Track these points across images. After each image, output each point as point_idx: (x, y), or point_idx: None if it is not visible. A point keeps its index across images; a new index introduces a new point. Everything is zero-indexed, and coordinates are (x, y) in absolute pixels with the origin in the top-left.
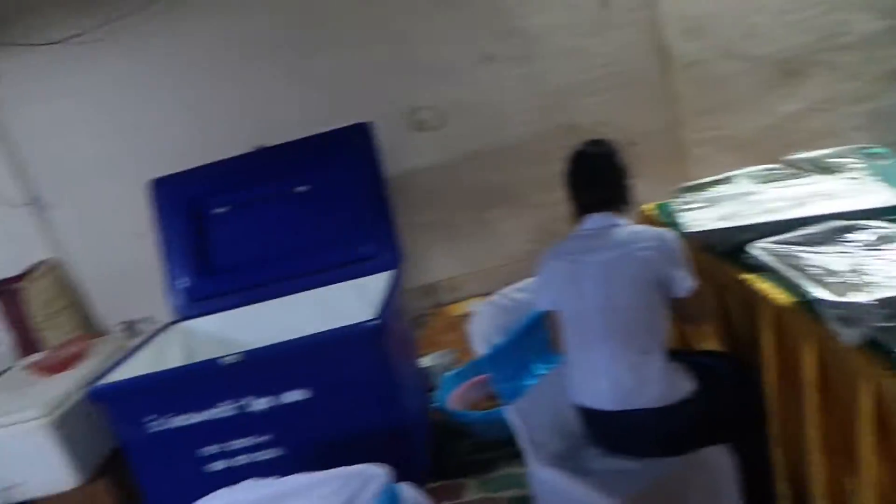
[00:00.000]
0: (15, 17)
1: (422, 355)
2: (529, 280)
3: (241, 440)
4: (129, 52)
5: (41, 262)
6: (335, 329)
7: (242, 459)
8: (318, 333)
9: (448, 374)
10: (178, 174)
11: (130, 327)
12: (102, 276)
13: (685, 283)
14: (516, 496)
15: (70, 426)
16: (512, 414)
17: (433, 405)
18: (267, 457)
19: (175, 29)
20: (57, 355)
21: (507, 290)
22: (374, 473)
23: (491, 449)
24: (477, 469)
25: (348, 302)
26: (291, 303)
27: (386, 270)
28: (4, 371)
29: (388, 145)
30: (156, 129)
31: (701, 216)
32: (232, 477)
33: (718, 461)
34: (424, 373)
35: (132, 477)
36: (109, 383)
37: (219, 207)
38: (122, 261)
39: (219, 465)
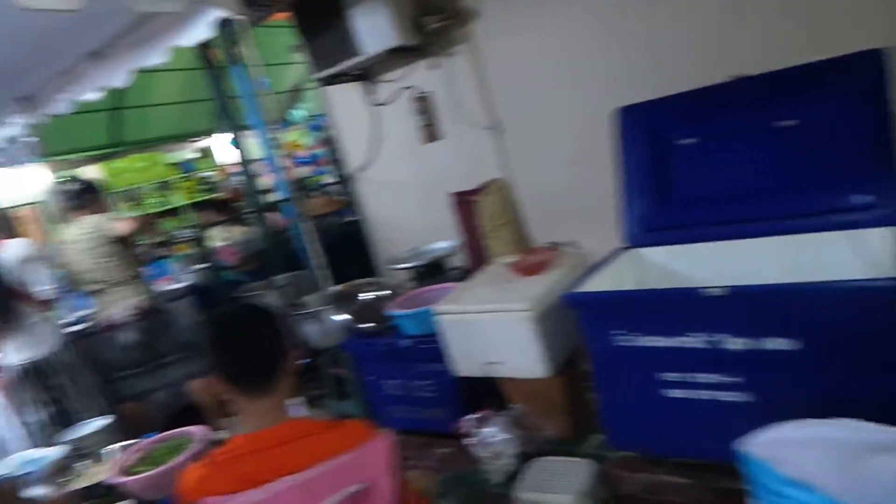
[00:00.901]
0: None
1: None
2: None
3: (706, 375)
4: None
5: (493, 181)
6: (850, 281)
7: (703, 394)
8: (825, 282)
9: None
10: (644, 103)
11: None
12: (538, 198)
13: None
14: None
15: (546, 323)
16: None
17: None
18: (731, 399)
19: None
20: (529, 260)
21: None
22: None
23: None
24: None
25: (832, 254)
26: (756, 245)
27: (884, 225)
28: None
29: None
30: (611, 61)
31: None
32: (688, 408)
33: None
34: None
35: (586, 379)
36: (587, 292)
37: (685, 138)
38: (556, 186)
39: (676, 393)
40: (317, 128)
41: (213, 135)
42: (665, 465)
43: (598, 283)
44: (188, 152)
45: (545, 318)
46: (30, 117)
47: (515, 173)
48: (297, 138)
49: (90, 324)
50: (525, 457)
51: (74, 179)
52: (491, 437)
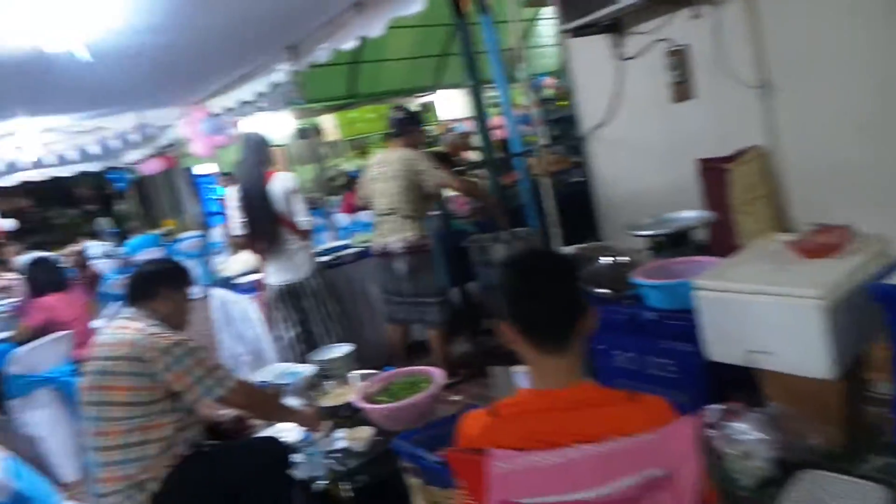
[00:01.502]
0: None
1: None
2: None
3: None
4: None
5: (751, 148)
6: None
7: None
8: None
9: None
10: None
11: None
12: (806, 170)
13: None
14: None
15: (838, 316)
16: None
17: None
18: None
19: None
20: (816, 240)
21: None
22: None
23: None
24: None
25: None
26: None
27: None
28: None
29: None
30: None
31: None
32: None
33: None
34: None
35: (867, 387)
36: None
37: None
38: (833, 157)
39: None
40: (536, 87)
41: (436, 90)
42: None
43: None
44: (412, 106)
45: (838, 310)
46: (293, 65)
47: (782, 140)
48: (516, 97)
49: (346, 253)
50: (783, 465)
51: (399, 108)
52: (741, 433)
